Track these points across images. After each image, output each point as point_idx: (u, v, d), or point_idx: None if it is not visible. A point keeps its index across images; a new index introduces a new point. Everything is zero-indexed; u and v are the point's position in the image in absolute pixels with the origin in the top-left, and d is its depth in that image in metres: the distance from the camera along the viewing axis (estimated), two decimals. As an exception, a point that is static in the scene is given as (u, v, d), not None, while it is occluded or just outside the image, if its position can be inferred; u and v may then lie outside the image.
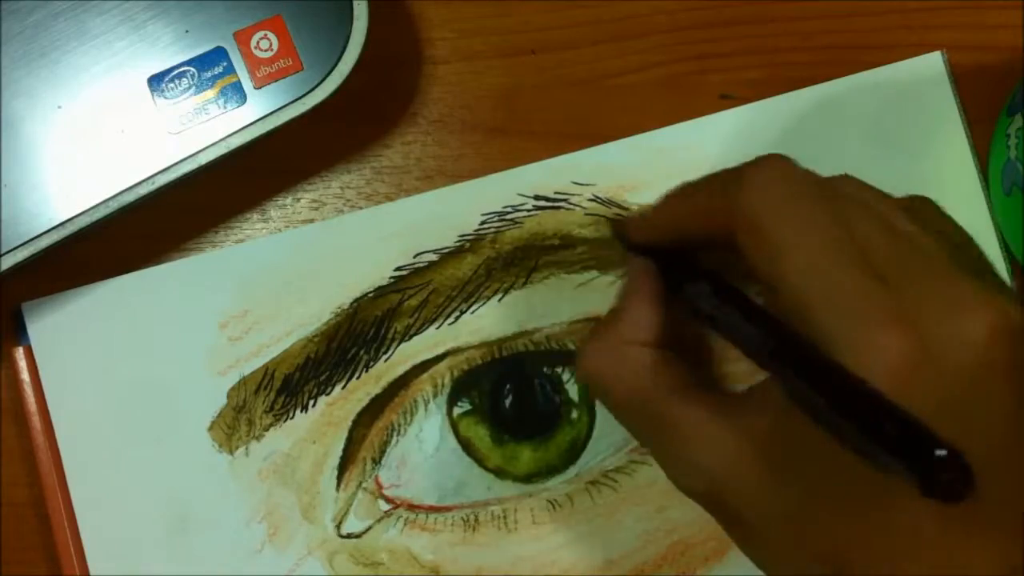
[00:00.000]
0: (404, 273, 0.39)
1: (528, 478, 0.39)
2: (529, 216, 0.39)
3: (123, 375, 0.39)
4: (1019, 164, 0.37)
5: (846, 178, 0.32)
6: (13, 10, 0.36)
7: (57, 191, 0.36)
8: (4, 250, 0.35)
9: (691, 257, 0.34)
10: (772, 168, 0.30)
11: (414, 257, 0.39)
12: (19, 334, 0.39)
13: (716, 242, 0.31)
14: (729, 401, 0.31)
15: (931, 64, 0.40)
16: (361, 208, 0.40)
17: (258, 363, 0.39)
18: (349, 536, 0.39)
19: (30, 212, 0.36)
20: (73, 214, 0.36)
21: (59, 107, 0.36)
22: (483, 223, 0.39)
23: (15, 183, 0.36)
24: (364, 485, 0.39)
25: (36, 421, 0.39)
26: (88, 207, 0.36)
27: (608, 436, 0.39)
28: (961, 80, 0.40)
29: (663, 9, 0.40)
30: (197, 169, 0.37)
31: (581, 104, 0.40)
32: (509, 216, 0.39)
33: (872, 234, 0.28)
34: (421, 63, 0.41)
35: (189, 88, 0.37)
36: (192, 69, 0.37)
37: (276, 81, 0.37)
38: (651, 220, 0.35)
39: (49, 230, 0.36)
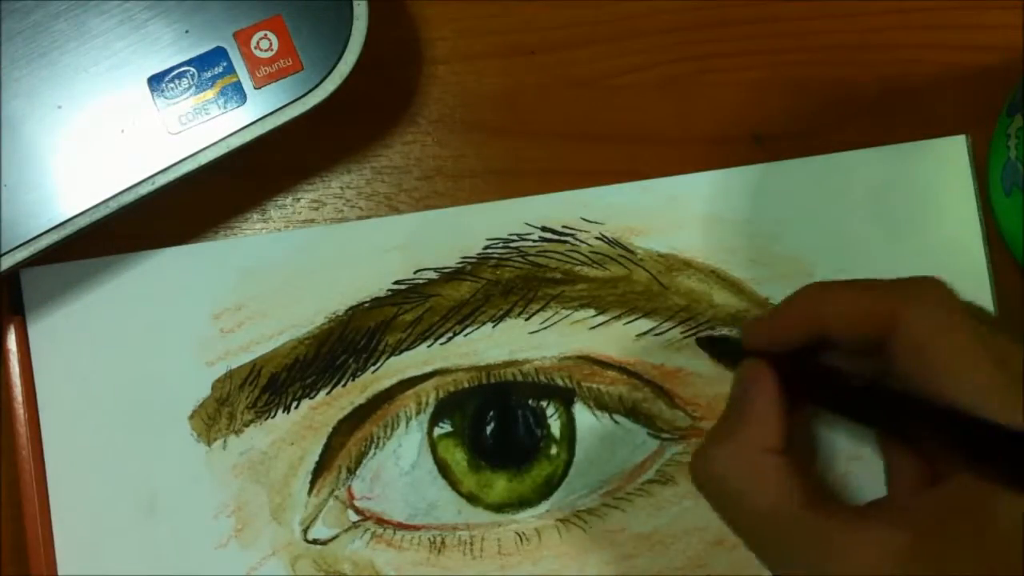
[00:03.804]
0: (402, 287, 0.39)
1: (499, 507, 0.38)
2: (533, 247, 0.39)
3: (112, 353, 0.39)
4: (1019, 164, 0.37)
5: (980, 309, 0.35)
6: (13, 10, 0.36)
7: (57, 191, 0.36)
8: (4, 250, 0.35)
9: (808, 358, 0.34)
10: (935, 289, 0.32)
11: (414, 272, 0.39)
12: (14, 302, 0.39)
13: (847, 345, 0.33)
14: (866, 513, 0.32)
15: (954, 146, 0.39)
16: (361, 208, 0.40)
17: (247, 358, 0.39)
18: (315, 542, 0.39)
19: (30, 212, 0.36)
20: (73, 214, 0.36)
21: (59, 107, 0.36)
22: (487, 248, 0.39)
23: (15, 183, 0.36)
24: (336, 493, 0.39)
25: (18, 392, 0.39)
26: (88, 207, 0.36)
27: (584, 476, 0.38)
28: (961, 80, 0.40)
29: (663, 9, 0.40)
30: (197, 169, 0.36)
31: (581, 104, 0.40)
32: (514, 245, 0.39)
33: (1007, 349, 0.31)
34: (421, 63, 0.41)
35: (189, 88, 0.37)
36: (192, 69, 0.37)
37: (276, 81, 0.36)
38: (777, 322, 0.35)
39: (49, 230, 0.36)
